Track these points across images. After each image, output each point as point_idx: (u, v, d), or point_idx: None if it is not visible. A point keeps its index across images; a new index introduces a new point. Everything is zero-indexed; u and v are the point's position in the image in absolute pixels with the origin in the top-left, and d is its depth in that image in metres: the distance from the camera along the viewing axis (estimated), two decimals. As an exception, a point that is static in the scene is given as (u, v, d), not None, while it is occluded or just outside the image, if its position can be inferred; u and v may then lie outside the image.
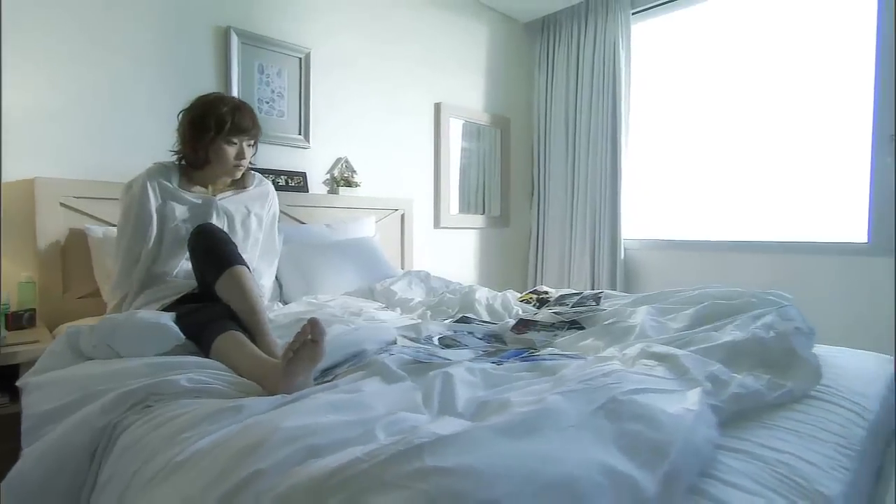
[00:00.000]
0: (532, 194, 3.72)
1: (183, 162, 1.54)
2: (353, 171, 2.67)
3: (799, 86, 2.70)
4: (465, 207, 3.35)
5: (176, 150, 1.54)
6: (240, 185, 1.65)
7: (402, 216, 2.88)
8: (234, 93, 2.21)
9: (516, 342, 1.41)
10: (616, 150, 3.23)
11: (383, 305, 1.92)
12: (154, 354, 1.12)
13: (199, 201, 1.50)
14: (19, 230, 1.69)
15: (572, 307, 1.61)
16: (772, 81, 2.79)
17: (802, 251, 2.64)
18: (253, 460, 0.54)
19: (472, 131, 3.36)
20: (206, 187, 1.57)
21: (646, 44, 3.31)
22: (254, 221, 1.60)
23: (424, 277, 2.26)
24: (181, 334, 1.16)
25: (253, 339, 1.20)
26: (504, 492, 0.44)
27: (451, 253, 3.25)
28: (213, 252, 1.31)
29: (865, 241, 2.46)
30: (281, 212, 2.33)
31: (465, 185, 3.35)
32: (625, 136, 3.23)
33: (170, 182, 1.47)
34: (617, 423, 0.60)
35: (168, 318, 1.19)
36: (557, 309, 1.56)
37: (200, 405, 0.83)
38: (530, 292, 1.89)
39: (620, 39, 3.23)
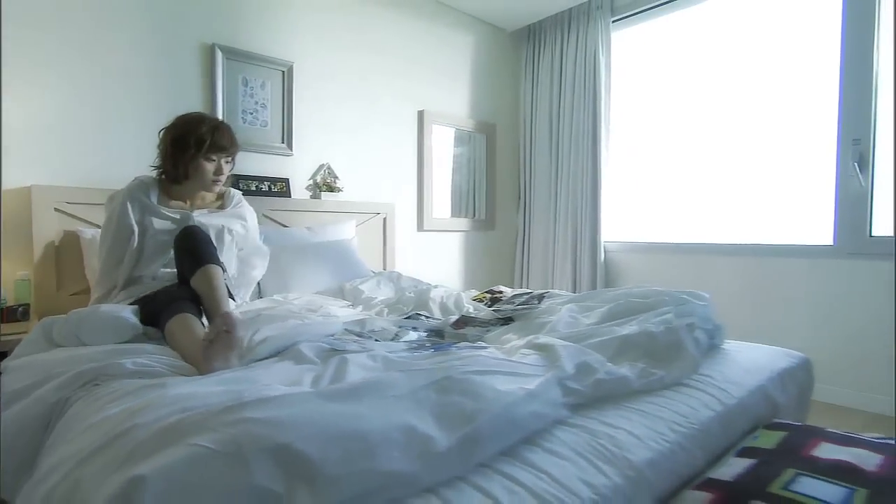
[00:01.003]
0: (519, 198, 3.82)
1: (163, 177, 1.67)
2: (336, 177, 2.82)
3: (770, 92, 2.75)
4: (450, 211, 3.47)
5: (156, 165, 1.68)
6: (218, 203, 1.78)
7: (384, 220, 3.02)
8: (219, 105, 2.38)
9: (453, 336, 1.52)
10: (596, 154, 3.31)
11: (349, 303, 2.05)
12: (114, 342, 1.28)
13: (178, 216, 1.61)
14: (17, 233, 1.88)
15: (518, 305, 1.71)
16: (744, 88, 2.84)
17: (773, 253, 2.69)
18: (135, 417, 0.67)
19: (456, 137, 3.48)
20: (184, 202, 1.69)
21: (626, 51, 3.38)
22: (227, 237, 1.69)
23: (395, 278, 2.39)
24: (139, 325, 1.32)
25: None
26: (297, 437, 0.56)
27: (436, 255, 3.37)
28: (194, 251, 1.46)
29: (831, 243, 2.50)
30: (264, 215, 2.50)
31: (450, 189, 3.47)
32: (605, 141, 3.31)
33: (148, 198, 1.59)
34: (441, 396, 0.72)
35: (129, 312, 1.34)
36: (497, 307, 1.66)
37: (133, 383, 0.97)
38: (485, 292, 2.01)
39: (601, 47, 3.31)
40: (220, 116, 2.38)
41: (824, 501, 0.69)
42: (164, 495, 0.49)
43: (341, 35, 2.83)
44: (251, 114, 2.51)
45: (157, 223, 1.57)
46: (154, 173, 1.68)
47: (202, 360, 1.03)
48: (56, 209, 1.94)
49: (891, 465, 0.79)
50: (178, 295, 1.43)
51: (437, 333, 1.58)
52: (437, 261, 3.38)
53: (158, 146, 1.64)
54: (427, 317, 1.78)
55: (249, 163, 2.52)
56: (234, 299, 1.75)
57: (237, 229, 1.75)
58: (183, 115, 1.66)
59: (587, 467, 0.71)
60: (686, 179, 3.11)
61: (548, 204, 3.61)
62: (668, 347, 1.13)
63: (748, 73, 2.82)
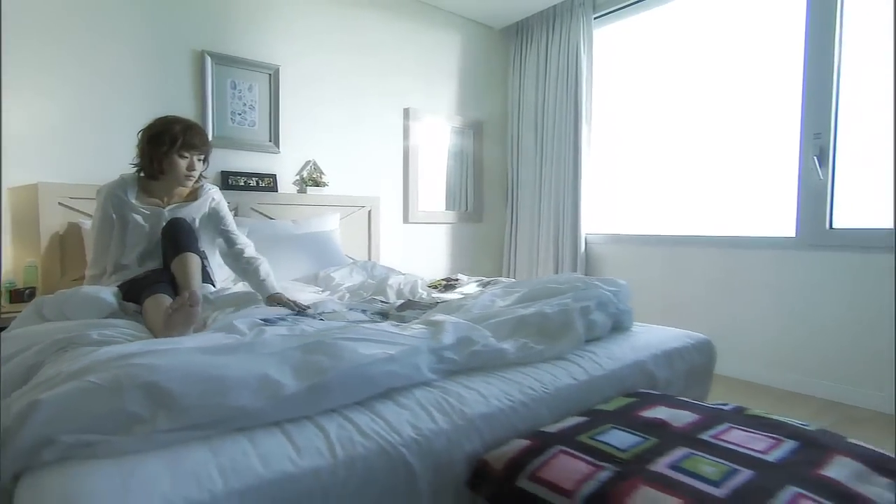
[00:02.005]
0: (507, 191, 3.94)
1: (142, 174, 1.87)
2: (321, 173, 3.01)
3: (740, 87, 2.79)
4: (437, 204, 3.62)
5: (136, 163, 1.87)
6: (190, 197, 1.94)
7: (369, 212, 3.20)
8: (209, 107, 2.59)
9: (395, 317, 1.69)
10: (577, 148, 3.40)
11: (320, 289, 2.23)
12: (93, 318, 1.49)
13: (149, 212, 1.80)
14: (25, 225, 2.13)
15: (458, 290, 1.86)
16: (717, 83, 2.89)
17: (741, 245, 2.75)
18: (64, 366, 0.86)
19: (443, 133, 3.62)
20: (161, 199, 1.86)
21: (608, 47, 3.45)
22: (196, 225, 1.85)
23: (370, 267, 2.56)
24: (114, 303, 1.53)
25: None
26: (165, 377, 0.73)
27: (422, 246, 3.54)
28: (176, 239, 1.66)
29: (794, 235, 2.55)
30: (252, 209, 2.71)
31: (437, 183, 3.62)
32: (587, 135, 3.40)
33: (126, 195, 1.78)
34: (306, 355, 0.88)
35: (107, 293, 1.56)
36: (437, 293, 1.82)
37: (91, 348, 1.17)
38: (442, 279, 2.16)
39: (582, 43, 3.39)
40: (210, 118, 2.59)
41: (613, 446, 0.82)
42: (53, 414, 0.67)
43: (327, 38, 3.00)
44: (240, 115, 2.71)
45: (133, 217, 1.77)
46: (135, 170, 1.88)
47: (161, 326, 1.22)
48: (60, 203, 2.18)
49: (696, 422, 0.91)
50: (158, 278, 1.64)
51: (381, 315, 1.75)
52: (423, 252, 3.54)
53: (137, 145, 1.82)
54: (383, 301, 1.95)
55: (238, 160, 2.72)
56: (213, 285, 1.95)
57: (209, 214, 1.92)
58: (160, 117, 1.84)
59: (422, 415, 0.87)
60: (662, 173, 3.18)
61: (533, 197, 3.72)
62: (559, 326, 1.26)
63: (721, 69, 2.87)
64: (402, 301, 1.81)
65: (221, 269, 2.10)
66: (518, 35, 3.85)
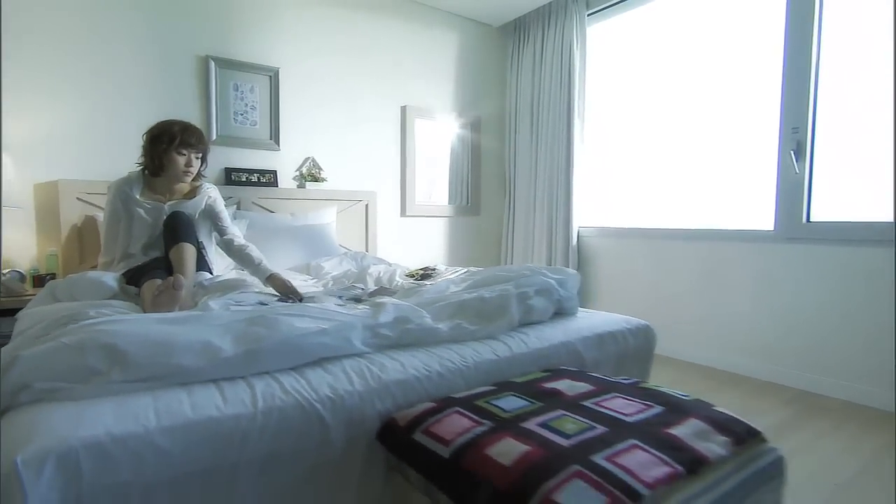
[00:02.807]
0: (505, 185, 4.05)
1: (146, 172, 2.07)
2: (320, 169, 3.18)
3: (727, 83, 2.83)
4: (434, 198, 3.76)
5: (140, 161, 2.07)
6: (190, 195, 2.12)
7: (366, 206, 3.36)
8: (213, 108, 2.79)
9: (368, 303, 1.84)
10: (570, 143, 3.48)
11: (309, 277, 2.41)
12: (97, 299, 1.69)
13: (151, 206, 1.99)
14: (47, 218, 2.37)
15: (430, 279, 2.00)
16: (704, 80, 2.93)
17: (723, 238, 2.80)
18: (52, 332, 1.04)
19: (441, 129, 3.74)
20: (163, 195, 2.06)
21: (601, 44, 3.51)
22: (196, 219, 2.06)
23: (360, 257, 2.73)
24: (115, 286, 1.73)
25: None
26: (121, 340, 0.90)
27: (420, 239, 3.69)
28: (175, 230, 1.85)
29: (772, 228, 2.59)
30: (253, 203, 2.91)
31: (435, 177, 3.76)
32: (579, 130, 3.47)
33: (132, 191, 1.98)
34: (248, 326, 1.04)
35: (109, 277, 1.76)
36: (413, 281, 1.96)
37: (86, 322, 1.36)
38: (419, 269, 2.30)
39: (576, 39, 3.46)
40: (213, 119, 2.80)
41: (501, 408, 0.95)
42: (29, 367, 0.85)
43: (325, 41, 3.17)
44: (241, 115, 2.90)
45: (137, 211, 1.97)
46: (139, 168, 2.08)
47: (149, 305, 1.41)
48: (78, 198, 2.41)
49: (588, 392, 1.03)
50: (158, 265, 1.84)
51: (355, 300, 1.91)
52: (422, 244, 3.69)
53: (142, 146, 2.03)
54: (362, 288, 2.11)
55: (240, 157, 2.92)
56: (211, 272, 2.15)
57: (206, 209, 2.10)
58: (162, 120, 2.04)
59: (342, 378, 1.01)
60: (652, 168, 3.23)
61: (528, 190, 3.82)
62: (496, 309, 1.39)
63: (707, 66, 2.91)
64: (377, 288, 1.96)
65: (223, 259, 2.30)
66: (516, 32, 3.93)
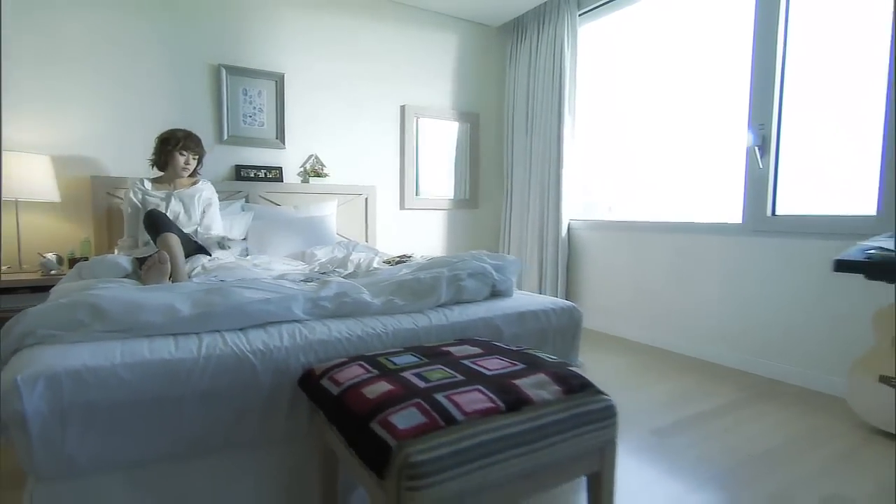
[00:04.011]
0: (504, 179, 4.23)
1: (154, 169, 2.49)
2: (322, 165, 3.47)
3: (704, 82, 2.92)
4: (433, 192, 3.99)
5: (151, 158, 2.48)
6: (191, 184, 2.54)
7: (366, 200, 3.63)
8: (224, 112, 3.12)
9: (317, 281, 2.10)
10: (560, 139, 3.63)
11: (302, 263, 2.69)
12: (113, 277, 2.02)
13: (163, 195, 2.43)
14: (81, 209, 2.75)
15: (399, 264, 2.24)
16: (682, 78, 3.03)
17: (697, 231, 2.91)
18: (60, 298, 1.35)
19: (439, 126, 3.96)
20: (168, 185, 2.50)
21: (592, 43, 3.63)
22: (194, 203, 2.50)
23: (351, 245, 2.99)
24: (128, 267, 2.06)
25: (173, 273, 2.05)
26: (103, 301, 1.18)
27: (418, 230, 3.93)
28: (154, 225, 2.19)
29: (740, 221, 2.68)
30: (260, 196, 3.23)
31: (434, 172, 3.98)
32: (569, 127, 3.62)
33: (144, 185, 2.45)
34: (206, 295, 1.31)
35: (124, 259, 2.09)
36: (388, 266, 2.21)
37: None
38: (396, 256, 2.54)
39: (566, 38, 3.59)
40: (225, 121, 3.13)
41: (393, 362, 1.17)
42: (34, 319, 1.14)
43: (327, 47, 3.44)
44: (250, 116, 3.22)
45: (151, 201, 2.36)
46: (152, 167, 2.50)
47: (143, 278, 1.74)
48: (107, 193, 2.79)
49: (473, 354, 1.23)
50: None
51: (307, 279, 2.16)
52: (420, 236, 3.94)
53: (154, 147, 2.45)
54: (341, 271, 2.37)
55: (249, 155, 3.24)
56: (209, 254, 2.48)
57: (199, 200, 2.52)
58: (170, 129, 2.47)
59: (276, 336, 1.27)
60: (634, 162, 3.35)
61: (523, 184, 3.99)
62: (428, 289, 1.62)
63: (687, 65, 3.01)
64: (350, 271, 2.22)
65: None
66: (514, 31, 4.09)
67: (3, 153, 2.41)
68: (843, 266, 1.17)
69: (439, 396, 0.98)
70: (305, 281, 2.06)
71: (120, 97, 2.84)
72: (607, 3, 3.44)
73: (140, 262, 2.18)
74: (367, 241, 3.62)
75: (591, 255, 3.59)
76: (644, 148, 3.29)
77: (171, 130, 2.46)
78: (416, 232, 3.92)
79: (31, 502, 1.03)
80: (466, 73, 4.05)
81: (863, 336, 2.20)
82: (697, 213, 2.99)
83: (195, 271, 2.17)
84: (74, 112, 2.74)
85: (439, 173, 4.02)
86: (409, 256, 2.55)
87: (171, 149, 2.42)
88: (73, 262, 2.61)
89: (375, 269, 2.34)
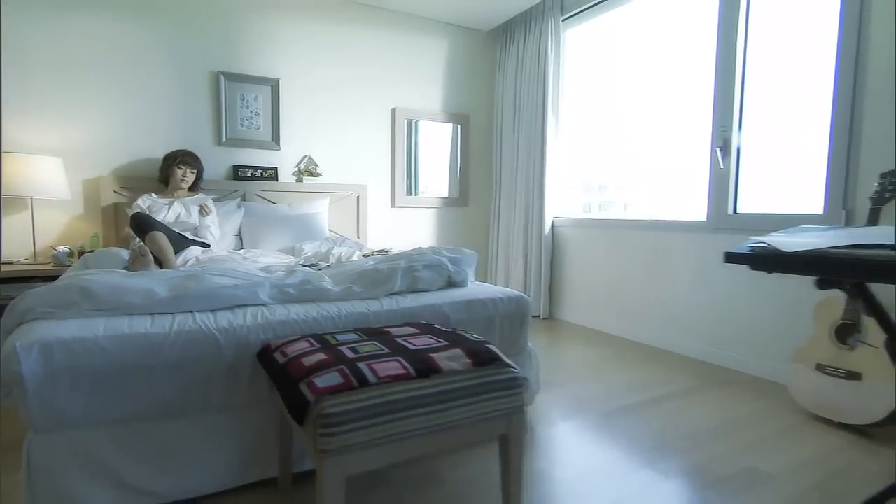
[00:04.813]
0: (493, 178, 4.39)
1: (159, 183, 2.83)
2: (316, 165, 3.68)
3: (676, 85, 3.05)
4: (424, 190, 4.17)
5: (157, 176, 2.81)
6: (191, 194, 2.82)
7: (358, 198, 3.83)
8: (223, 116, 3.34)
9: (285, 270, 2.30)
10: (544, 139, 3.78)
11: (291, 257, 2.90)
12: (115, 268, 2.25)
13: (167, 202, 2.74)
14: (91, 207, 3.00)
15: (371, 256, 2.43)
16: (656, 81, 3.15)
17: (665, 228, 3.04)
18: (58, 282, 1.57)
19: (430, 128, 4.14)
20: (171, 196, 2.81)
21: (575, 46, 3.77)
22: (193, 210, 2.79)
23: (339, 241, 3.19)
24: (152, 258, 2.29)
25: (162, 265, 2.28)
26: (93, 284, 1.39)
27: (409, 227, 4.12)
28: (141, 225, 2.42)
29: (704, 219, 2.81)
30: (256, 195, 3.45)
31: (425, 171, 4.16)
32: (552, 127, 3.76)
33: (151, 196, 2.78)
34: (183, 280, 1.51)
35: (125, 252, 2.32)
36: (359, 259, 2.40)
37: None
38: (376, 250, 2.73)
39: (550, 42, 3.74)
40: (223, 124, 3.35)
41: (336, 339, 1.36)
42: (34, 298, 1.36)
43: (320, 54, 3.64)
44: (247, 120, 3.44)
45: (157, 207, 2.64)
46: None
47: (130, 268, 1.96)
48: (115, 192, 3.03)
49: (408, 333, 1.41)
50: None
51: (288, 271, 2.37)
52: (410, 232, 4.13)
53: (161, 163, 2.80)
54: (323, 264, 2.57)
55: (246, 156, 3.46)
56: (207, 246, 2.72)
57: (198, 207, 2.80)
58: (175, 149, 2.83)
59: (240, 316, 1.46)
60: (615, 161, 3.48)
61: (511, 183, 4.15)
62: (384, 278, 1.80)
63: (661, 69, 3.13)
64: (329, 264, 2.42)
65: (225, 240, 2.89)
66: (504, 35, 4.24)
67: (19, 156, 2.66)
68: (731, 258, 1.32)
69: (361, 364, 1.16)
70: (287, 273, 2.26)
71: (126, 103, 3.09)
72: (589, 8, 3.57)
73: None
74: (358, 238, 3.82)
75: (574, 252, 3.73)
76: (622, 148, 3.42)
77: (175, 150, 2.89)
78: (406, 229, 4.11)
79: (29, 449, 1.24)
80: (457, 77, 4.22)
81: (808, 327, 2.32)
82: (670, 211, 3.12)
83: (189, 263, 2.40)
84: (85, 117, 2.98)
85: (432, 173, 4.19)
86: (387, 251, 2.73)
87: (171, 164, 2.80)
88: (81, 254, 2.86)
89: (353, 261, 2.53)
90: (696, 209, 2.91)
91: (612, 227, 3.41)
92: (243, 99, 3.42)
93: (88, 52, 2.97)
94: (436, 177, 4.23)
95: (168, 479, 1.38)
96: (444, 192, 4.26)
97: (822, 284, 1.26)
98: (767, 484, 1.55)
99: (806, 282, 2.34)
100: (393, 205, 4.04)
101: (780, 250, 1.18)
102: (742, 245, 1.40)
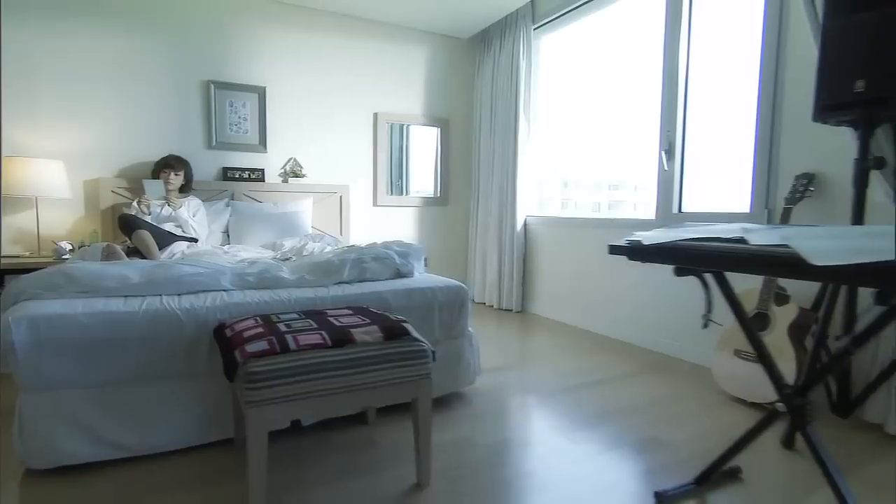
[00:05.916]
0: (472, 178, 4.62)
1: None
2: (301, 167, 3.93)
3: (633, 90, 3.25)
4: (405, 190, 4.41)
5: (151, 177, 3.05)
6: (182, 195, 3.10)
7: (340, 197, 4.08)
8: (213, 122, 3.61)
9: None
10: (516, 141, 3.99)
11: (270, 251, 3.16)
12: (103, 260, 2.52)
13: (160, 202, 2.99)
14: (92, 205, 3.29)
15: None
16: (616, 86, 3.36)
17: (618, 226, 3.24)
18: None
19: (410, 131, 4.37)
20: (165, 198, 3.06)
21: (547, 53, 3.98)
22: (183, 211, 3.04)
23: (318, 237, 3.44)
24: (122, 253, 2.56)
25: (146, 259, 2.55)
26: (77, 271, 1.64)
27: (390, 225, 4.36)
28: (128, 225, 2.70)
29: (653, 217, 3.01)
30: (244, 194, 3.71)
31: (406, 172, 4.40)
32: (524, 129, 3.97)
33: (146, 197, 3.01)
34: (155, 269, 1.76)
35: (119, 248, 2.59)
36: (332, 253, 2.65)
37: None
38: (346, 246, 2.97)
39: (522, 50, 3.95)
40: (213, 129, 3.62)
41: (279, 318, 1.59)
42: (27, 282, 1.62)
43: (305, 63, 3.90)
44: (236, 125, 3.71)
45: (154, 209, 2.91)
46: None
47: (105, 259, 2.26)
48: (112, 191, 3.31)
49: (341, 313, 1.65)
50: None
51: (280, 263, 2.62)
52: (392, 230, 4.36)
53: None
54: (294, 258, 2.82)
55: (235, 159, 3.73)
56: (196, 241, 2.99)
57: (192, 204, 3.05)
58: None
59: (202, 299, 1.71)
60: (577, 162, 3.69)
61: (488, 183, 4.37)
62: (335, 269, 2.04)
63: (620, 76, 3.33)
64: (303, 256, 2.67)
65: (213, 236, 3.15)
66: (482, 42, 4.46)
67: (24, 160, 2.95)
68: (613, 250, 1.54)
69: (288, 336, 1.40)
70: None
71: (124, 110, 3.37)
72: (558, 18, 3.77)
73: (128, 249, 2.69)
74: (341, 235, 4.07)
75: (544, 249, 3.94)
76: (589, 149, 3.62)
77: (165, 156, 3.21)
78: (387, 226, 4.35)
79: (21, 406, 1.50)
80: (438, 82, 4.45)
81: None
82: (625, 211, 3.32)
83: (175, 256, 2.66)
84: (86, 123, 3.27)
85: (416, 174, 4.43)
86: (354, 246, 2.97)
87: (160, 169, 3.10)
88: (80, 249, 3.15)
89: (317, 255, 2.78)
90: (648, 208, 3.10)
91: (575, 225, 3.61)
92: (232, 105, 3.69)
93: (89, 64, 3.25)
94: (420, 177, 4.46)
95: (138, 436, 1.63)
96: (426, 192, 4.49)
97: (679, 272, 1.47)
98: (659, 450, 1.76)
99: (737, 279, 2.53)
100: (375, 204, 4.28)
101: (643, 243, 1.40)
102: (623, 239, 1.62)
